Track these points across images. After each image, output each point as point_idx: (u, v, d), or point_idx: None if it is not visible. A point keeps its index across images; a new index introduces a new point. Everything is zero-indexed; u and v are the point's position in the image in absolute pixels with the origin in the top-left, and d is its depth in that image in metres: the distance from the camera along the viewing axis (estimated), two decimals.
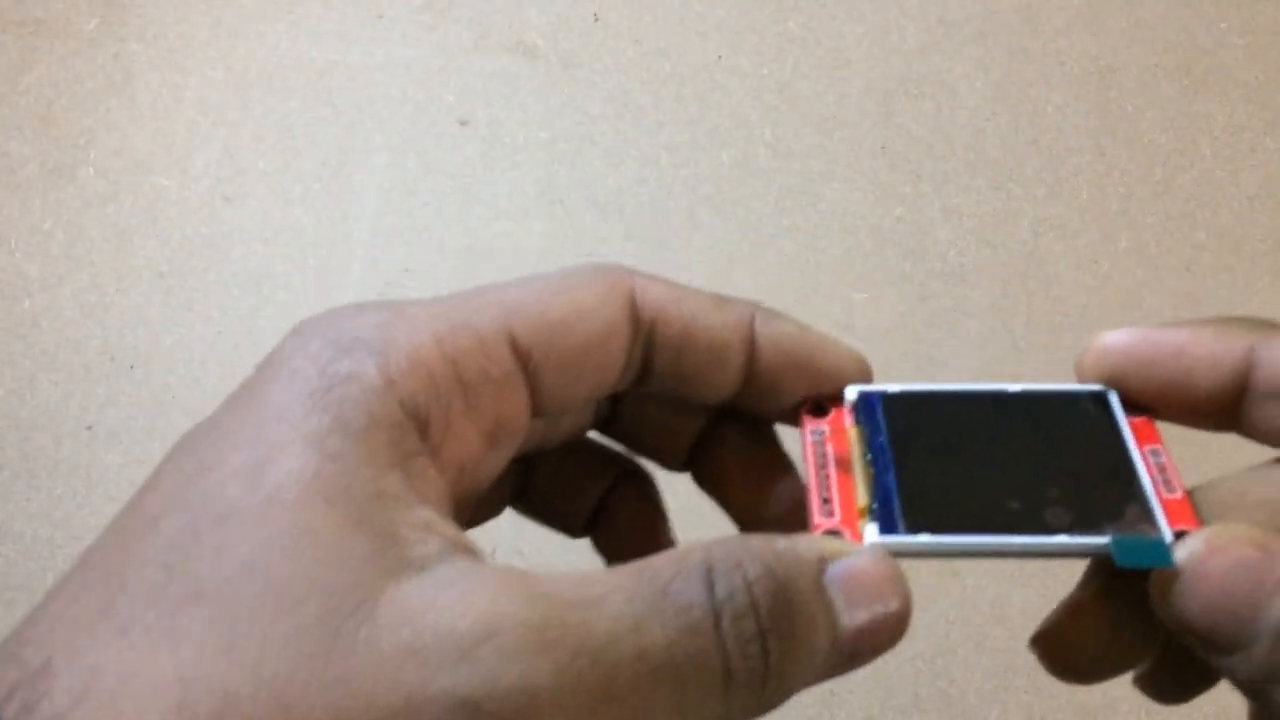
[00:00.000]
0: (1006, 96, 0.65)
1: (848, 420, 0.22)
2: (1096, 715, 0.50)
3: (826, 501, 0.21)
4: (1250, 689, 0.19)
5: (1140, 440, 0.21)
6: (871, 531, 0.20)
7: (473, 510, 0.22)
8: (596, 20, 0.66)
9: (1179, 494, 0.20)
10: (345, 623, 0.15)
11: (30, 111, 0.62)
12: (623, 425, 0.25)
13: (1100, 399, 0.22)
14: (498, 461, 0.21)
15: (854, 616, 0.18)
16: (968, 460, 0.21)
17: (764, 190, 0.62)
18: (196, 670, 0.15)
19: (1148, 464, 0.21)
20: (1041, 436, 0.21)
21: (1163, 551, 0.19)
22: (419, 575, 0.16)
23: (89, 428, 0.55)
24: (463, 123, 0.63)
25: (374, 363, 0.18)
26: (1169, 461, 0.21)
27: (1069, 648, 0.22)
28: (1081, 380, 0.22)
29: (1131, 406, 0.22)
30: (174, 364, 0.56)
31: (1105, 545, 0.19)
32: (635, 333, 0.21)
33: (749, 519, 0.24)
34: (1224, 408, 0.21)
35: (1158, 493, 0.20)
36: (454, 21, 0.66)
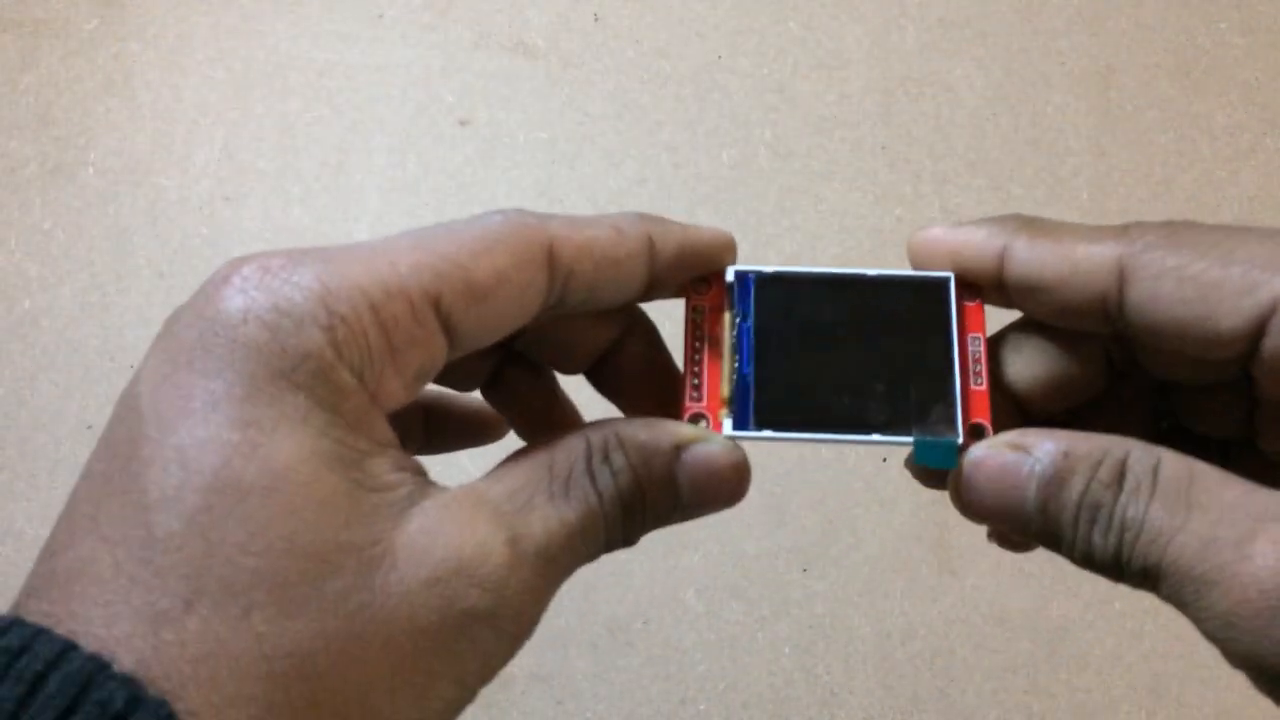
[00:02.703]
0: (1006, 96, 0.65)
1: (726, 299, 0.26)
2: (1096, 715, 0.50)
3: (696, 386, 0.25)
4: (1046, 545, 0.24)
5: (966, 327, 0.25)
6: (727, 425, 0.25)
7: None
8: (596, 20, 0.66)
9: (983, 385, 0.25)
10: (376, 573, 0.20)
11: (30, 111, 0.62)
12: (528, 338, 0.28)
13: (942, 285, 0.26)
14: (414, 394, 0.25)
15: (696, 498, 0.24)
16: (816, 354, 0.25)
17: (764, 190, 0.62)
18: (272, 643, 0.18)
19: (964, 355, 0.25)
20: (885, 324, 0.25)
21: (951, 455, 0.24)
22: (411, 514, 0.21)
23: (89, 428, 0.55)
24: (463, 123, 0.63)
25: (325, 339, 0.20)
26: (983, 350, 0.25)
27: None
28: (910, 262, 0.26)
29: (968, 290, 0.26)
30: None
31: (909, 443, 0.24)
32: (551, 284, 0.24)
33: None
34: (996, 292, 0.25)
35: (964, 386, 0.25)
36: (454, 21, 0.66)
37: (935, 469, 0.24)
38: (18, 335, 0.56)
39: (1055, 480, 0.23)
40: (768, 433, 0.24)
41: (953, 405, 0.24)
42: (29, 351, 0.56)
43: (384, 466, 0.21)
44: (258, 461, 0.19)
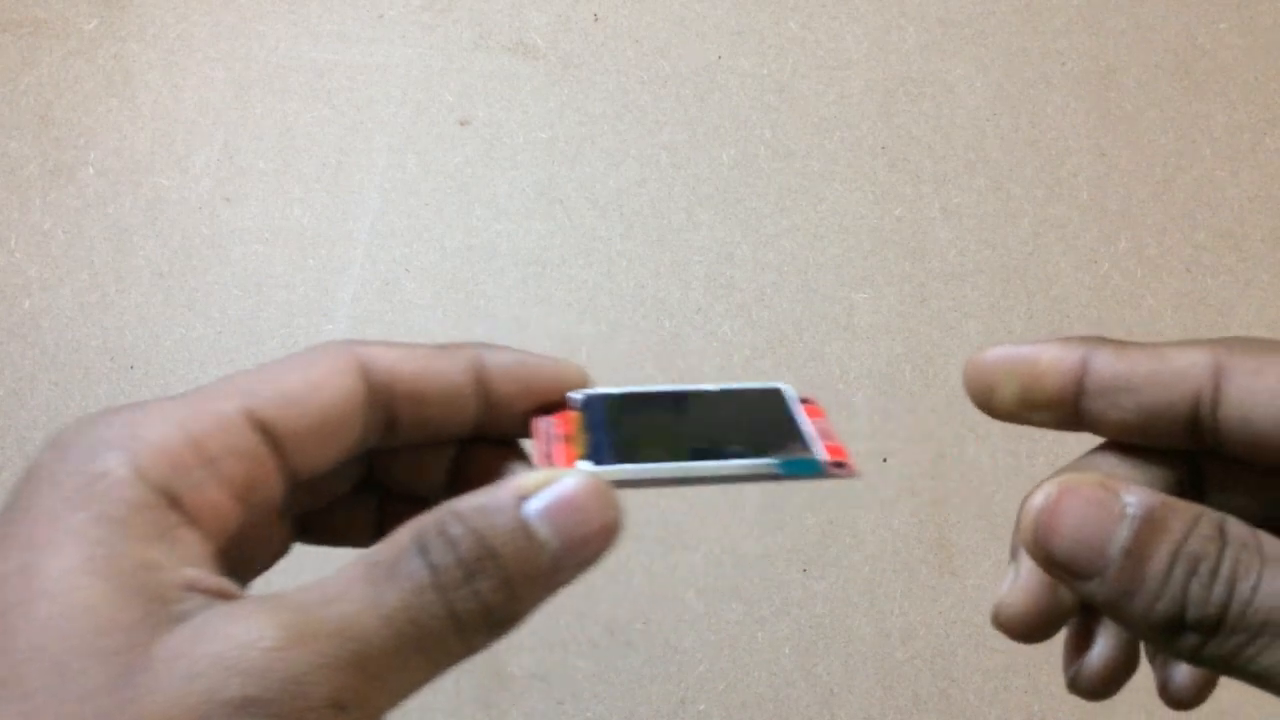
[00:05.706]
0: (1006, 96, 0.65)
1: (573, 415, 0.26)
2: (1096, 715, 0.50)
3: (548, 455, 0.24)
4: (1110, 610, 0.22)
5: (809, 415, 0.26)
6: (583, 464, 0.24)
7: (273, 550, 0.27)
8: (596, 20, 0.66)
9: (837, 443, 0.25)
10: (128, 678, 0.19)
11: (30, 111, 0.62)
12: (383, 472, 0.28)
13: (776, 392, 0.27)
14: (264, 515, 0.24)
15: (563, 537, 0.22)
16: (668, 425, 0.26)
17: (764, 190, 0.62)
18: None
19: (811, 424, 0.26)
20: (728, 412, 0.26)
21: (817, 466, 0.24)
22: (185, 624, 0.20)
23: None
24: (463, 123, 0.63)
25: (122, 458, 0.21)
26: (830, 428, 0.26)
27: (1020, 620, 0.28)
28: (966, 387, 0.27)
29: (801, 400, 0.27)
30: (174, 364, 0.56)
31: (773, 464, 0.24)
32: (370, 395, 0.24)
33: None
34: (1068, 406, 0.25)
35: (817, 436, 0.25)
36: (454, 21, 0.66)
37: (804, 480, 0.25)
38: (18, 335, 0.56)
39: (1152, 523, 0.22)
40: (626, 466, 0.24)
41: (808, 441, 0.25)
42: (29, 351, 0.56)
43: (172, 579, 0.20)
44: (26, 581, 0.20)
